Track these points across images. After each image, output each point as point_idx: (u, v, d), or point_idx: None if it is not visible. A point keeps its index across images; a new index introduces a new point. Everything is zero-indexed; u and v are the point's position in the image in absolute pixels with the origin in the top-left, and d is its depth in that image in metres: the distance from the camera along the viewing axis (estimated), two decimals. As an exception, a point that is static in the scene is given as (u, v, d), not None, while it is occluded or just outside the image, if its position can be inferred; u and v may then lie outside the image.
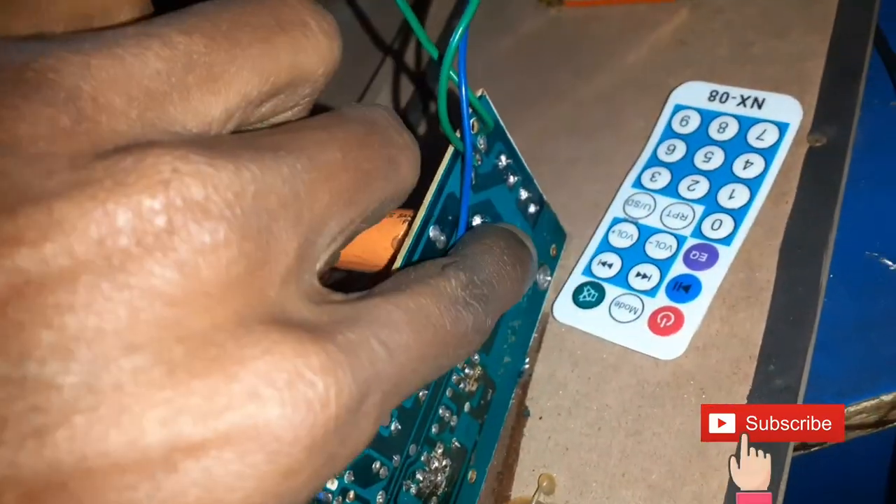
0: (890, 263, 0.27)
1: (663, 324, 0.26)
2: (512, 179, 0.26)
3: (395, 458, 0.22)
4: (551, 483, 0.26)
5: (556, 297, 0.29)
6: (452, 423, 0.25)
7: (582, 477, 0.26)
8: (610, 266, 0.28)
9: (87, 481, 0.10)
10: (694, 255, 0.27)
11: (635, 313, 0.27)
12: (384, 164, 0.15)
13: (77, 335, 0.10)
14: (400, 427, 0.22)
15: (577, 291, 0.28)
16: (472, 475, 0.26)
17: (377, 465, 0.22)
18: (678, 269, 0.27)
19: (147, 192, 0.10)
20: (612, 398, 0.26)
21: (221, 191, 0.11)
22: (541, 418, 0.27)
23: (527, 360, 0.29)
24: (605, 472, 0.25)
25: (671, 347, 0.26)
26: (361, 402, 0.12)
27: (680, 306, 0.26)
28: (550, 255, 0.30)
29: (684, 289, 0.27)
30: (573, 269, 0.29)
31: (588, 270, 0.29)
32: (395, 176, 0.15)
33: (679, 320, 0.26)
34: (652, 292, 0.27)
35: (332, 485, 0.20)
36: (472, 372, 0.26)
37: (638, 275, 0.28)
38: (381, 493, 0.22)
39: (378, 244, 0.24)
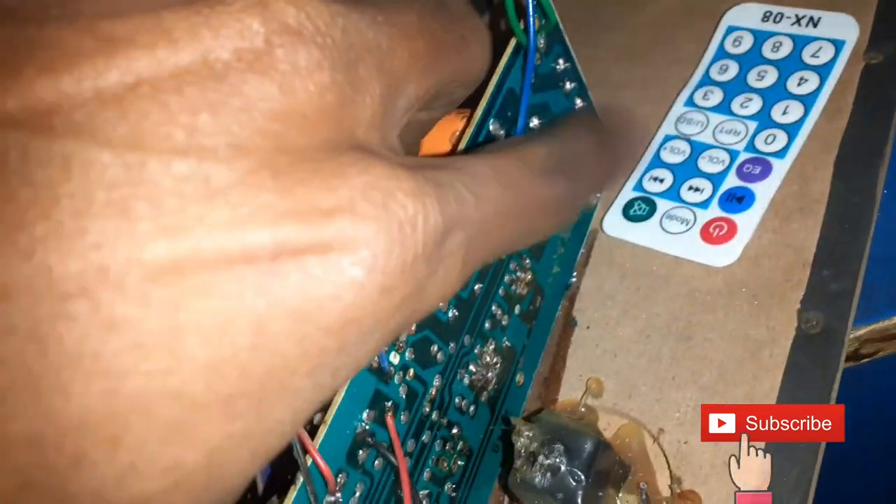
0: (946, 179, 0.27)
1: (716, 233, 0.26)
2: (568, 86, 0.26)
3: (452, 345, 0.23)
4: (599, 386, 0.26)
5: (604, 214, 0.29)
6: (504, 323, 0.25)
7: (630, 381, 0.26)
8: (661, 181, 0.28)
9: (200, 267, 0.10)
10: (747, 169, 0.27)
11: (687, 224, 0.27)
12: (456, 39, 0.15)
13: (189, 133, 0.10)
14: (457, 313, 0.23)
15: (628, 206, 0.28)
16: (519, 378, 0.27)
17: (434, 348, 0.22)
18: (731, 181, 0.27)
19: (247, 12, 0.11)
20: (662, 307, 0.27)
21: (314, 18, 0.11)
22: (588, 328, 0.28)
23: (574, 274, 0.29)
24: (654, 376, 0.25)
25: (724, 255, 0.26)
26: (446, 235, 0.12)
27: (733, 216, 0.26)
28: (600, 172, 0.30)
29: (737, 200, 0.27)
30: (623, 185, 0.29)
31: (639, 186, 0.29)
32: (466, 53, 0.15)
33: (732, 230, 0.26)
34: (704, 204, 0.27)
35: (395, 359, 0.20)
36: (523, 275, 0.26)
37: (690, 188, 0.28)
38: (437, 376, 0.22)
39: (438, 139, 0.24)
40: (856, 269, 0.24)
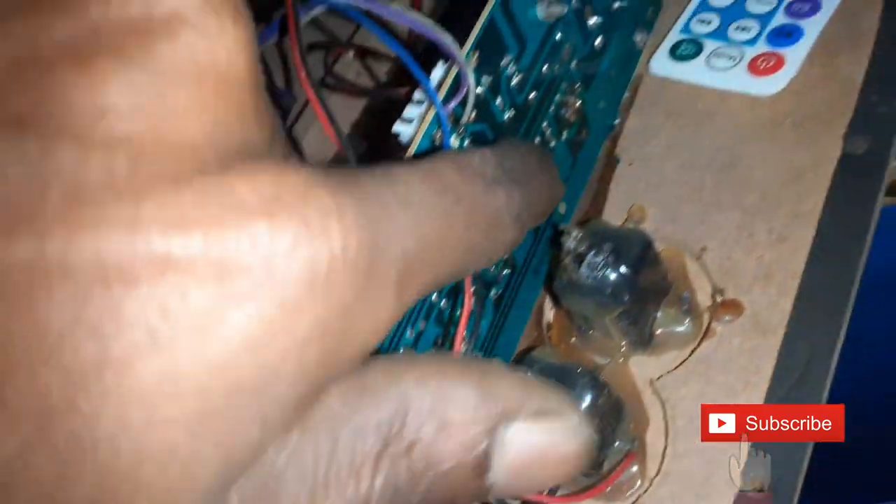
0: None
1: (763, 66, 0.27)
2: None
3: (505, 148, 0.23)
4: (642, 213, 0.27)
5: (650, 57, 0.29)
6: (552, 145, 0.26)
7: (672, 207, 0.26)
8: (709, 23, 0.29)
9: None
10: (796, 7, 0.27)
11: (734, 60, 0.27)
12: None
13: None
14: (513, 114, 0.23)
15: (675, 47, 0.29)
16: (562, 206, 0.27)
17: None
18: (779, 19, 0.27)
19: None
20: (708, 141, 0.27)
21: None
22: (631, 164, 0.28)
23: (618, 116, 0.29)
24: (697, 202, 0.26)
25: (770, 85, 0.26)
26: (377, 251, 0.11)
27: (781, 50, 0.27)
28: (647, 18, 0.30)
29: (786, 35, 0.27)
30: (670, 29, 0.29)
31: (686, 28, 0.29)
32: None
33: (779, 62, 0.26)
34: (752, 42, 0.27)
35: (455, 143, 0.21)
36: (573, 100, 0.26)
37: (738, 28, 0.28)
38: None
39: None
40: (904, 94, 0.25)
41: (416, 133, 0.20)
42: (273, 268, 0.09)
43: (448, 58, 0.21)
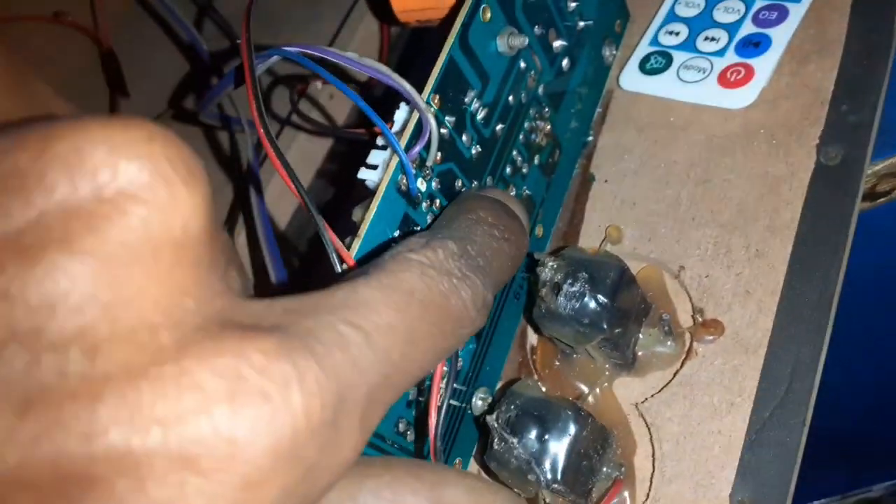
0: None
1: (733, 78, 0.26)
2: None
3: (475, 183, 0.23)
4: (619, 233, 0.27)
5: (620, 72, 0.29)
6: (524, 171, 0.25)
7: (649, 226, 0.26)
8: (677, 34, 0.28)
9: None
10: (763, 15, 0.27)
11: (704, 73, 0.27)
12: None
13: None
14: (480, 150, 0.23)
15: (644, 60, 0.29)
16: (539, 230, 0.27)
17: (459, 183, 0.22)
18: (747, 29, 0.27)
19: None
20: (681, 155, 0.27)
21: None
22: (606, 182, 0.28)
23: (591, 133, 0.29)
24: (673, 219, 0.26)
25: (741, 97, 0.26)
26: (341, 403, 0.10)
27: (750, 61, 0.26)
28: (615, 31, 0.30)
29: (754, 45, 0.27)
30: (638, 42, 0.29)
31: (655, 40, 0.29)
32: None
33: (749, 73, 0.26)
34: (720, 52, 0.27)
35: (423, 186, 0.21)
36: (542, 125, 0.26)
37: (706, 38, 0.28)
38: (462, 212, 0.23)
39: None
40: (874, 101, 0.24)
41: (381, 180, 0.20)
42: (235, 450, 0.09)
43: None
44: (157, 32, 0.39)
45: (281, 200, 0.32)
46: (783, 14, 0.27)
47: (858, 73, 0.25)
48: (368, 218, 0.19)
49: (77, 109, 0.12)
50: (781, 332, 0.22)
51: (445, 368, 0.19)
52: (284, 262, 0.23)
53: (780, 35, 0.26)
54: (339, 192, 0.31)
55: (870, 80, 0.25)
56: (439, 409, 0.19)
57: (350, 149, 0.33)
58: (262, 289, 0.30)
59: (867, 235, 0.25)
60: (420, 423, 0.22)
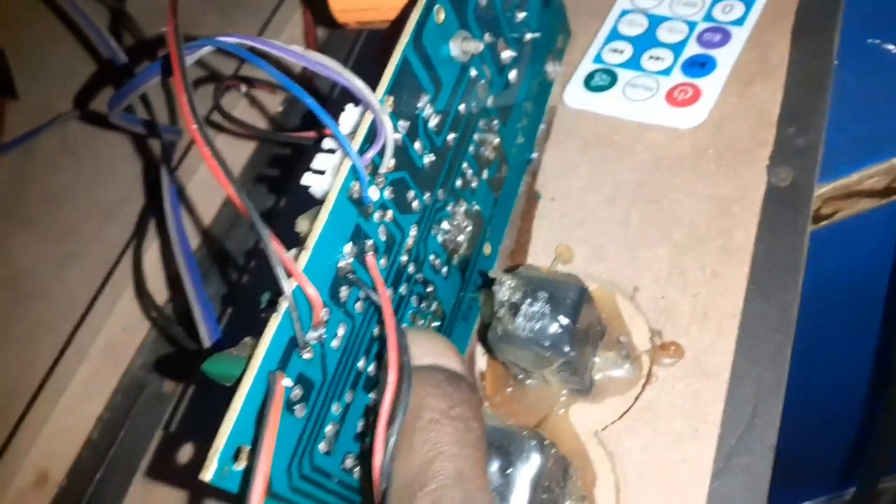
0: (892, 48, 0.27)
1: (680, 97, 0.26)
2: None
3: (427, 194, 0.21)
4: (568, 253, 0.25)
5: (563, 89, 0.28)
6: (473, 185, 0.24)
7: (599, 245, 0.25)
8: (621, 52, 0.28)
9: None
10: (707, 37, 0.27)
11: (651, 91, 0.27)
12: None
13: None
14: (433, 159, 0.21)
15: (589, 77, 0.28)
16: (487, 248, 0.25)
17: (411, 194, 0.21)
18: (692, 49, 0.27)
19: None
20: (628, 174, 0.26)
21: None
22: (553, 199, 0.27)
23: (535, 150, 0.28)
24: (623, 239, 0.25)
25: (691, 116, 0.26)
26: None
27: (696, 81, 0.26)
28: (558, 47, 0.29)
29: (700, 65, 0.26)
30: (582, 59, 0.29)
31: (599, 58, 0.28)
32: None
33: (696, 93, 0.26)
34: (666, 71, 0.27)
35: (375, 195, 0.19)
36: (491, 137, 0.25)
37: (651, 58, 0.27)
38: (413, 226, 0.21)
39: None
40: (819, 125, 0.24)
41: (331, 187, 0.18)
42: None
43: (359, 101, 0.19)
44: (57, 31, 0.35)
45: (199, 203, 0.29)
46: (726, 36, 0.27)
47: (802, 98, 0.25)
48: (318, 228, 0.17)
49: None
50: (743, 355, 0.22)
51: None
52: (220, 276, 0.20)
53: (725, 57, 0.26)
54: (264, 200, 0.28)
55: (814, 104, 0.25)
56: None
57: (277, 154, 0.30)
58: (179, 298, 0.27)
59: (816, 254, 0.25)
60: (366, 458, 0.19)
